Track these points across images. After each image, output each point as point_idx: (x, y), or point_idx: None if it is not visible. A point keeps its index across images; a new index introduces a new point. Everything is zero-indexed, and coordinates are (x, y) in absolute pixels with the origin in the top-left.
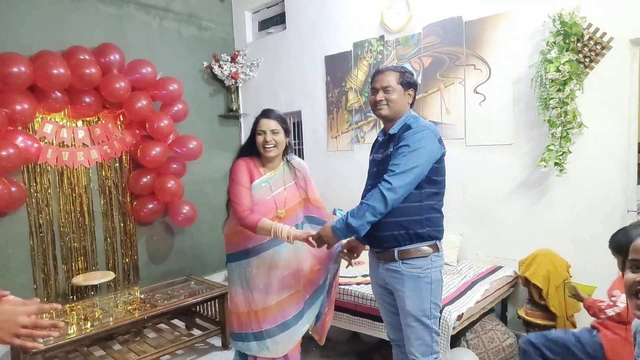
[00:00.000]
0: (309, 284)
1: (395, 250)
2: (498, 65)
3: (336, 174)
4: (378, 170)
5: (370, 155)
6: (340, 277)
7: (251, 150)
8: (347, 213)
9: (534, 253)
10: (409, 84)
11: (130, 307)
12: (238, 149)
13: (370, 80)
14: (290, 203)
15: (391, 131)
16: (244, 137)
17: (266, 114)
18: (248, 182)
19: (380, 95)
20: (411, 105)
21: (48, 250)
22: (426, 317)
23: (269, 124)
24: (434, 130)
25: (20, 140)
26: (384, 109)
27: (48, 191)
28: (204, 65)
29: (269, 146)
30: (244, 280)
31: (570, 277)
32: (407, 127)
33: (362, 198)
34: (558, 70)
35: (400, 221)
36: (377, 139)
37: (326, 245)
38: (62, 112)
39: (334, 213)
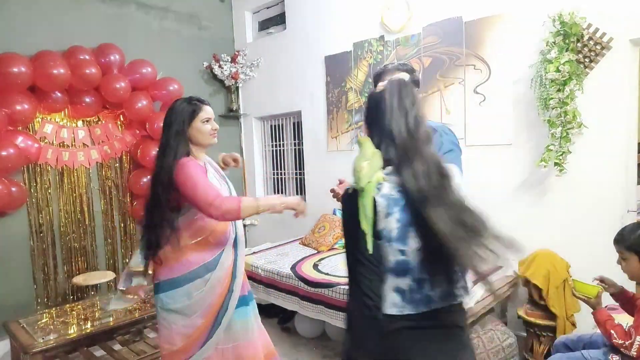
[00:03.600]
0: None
1: None
2: (498, 65)
3: (336, 174)
4: None
5: None
6: (341, 277)
7: (175, 148)
8: None
9: (533, 253)
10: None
11: (130, 307)
12: (172, 150)
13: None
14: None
15: None
16: (244, 137)
17: (204, 100)
18: (204, 174)
19: None
20: None
21: (48, 250)
22: None
23: (212, 111)
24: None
25: (20, 141)
26: None
27: (48, 191)
28: (204, 66)
29: (216, 133)
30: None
31: (570, 277)
32: None
33: None
34: (558, 71)
35: None
36: None
37: None
38: (62, 112)
39: (334, 213)
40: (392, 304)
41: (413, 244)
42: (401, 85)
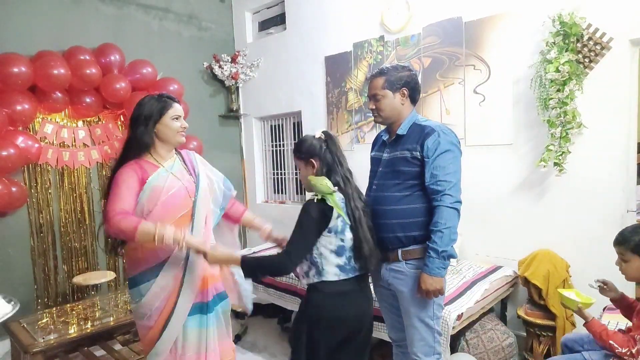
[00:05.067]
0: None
1: (399, 251)
2: (498, 65)
3: None
4: (385, 172)
5: (371, 152)
6: None
7: (143, 144)
8: (431, 249)
9: (533, 253)
10: (398, 85)
11: (131, 307)
12: (122, 150)
13: None
14: (202, 192)
15: (399, 132)
16: (244, 137)
17: (174, 98)
18: (135, 184)
19: (371, 104)
20: (413, 102)
21: (48, 250)
22: (429, 318)
23: (181, 109)
24: (450, 130)
25: (20, 141)
26: (377, 117)
27: (49, 191)
28: (204, 66)
29: (184, 132)
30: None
31: (570, 276)
32: (417, 127)
33: (370, 198)
34: (558, 71)
35: (406, 223)
36: (380, 136)
37: (439, 292)
38: (63, 112)
39: None
40: (334, 274)
41: (348, 235)
42: (336, 139)
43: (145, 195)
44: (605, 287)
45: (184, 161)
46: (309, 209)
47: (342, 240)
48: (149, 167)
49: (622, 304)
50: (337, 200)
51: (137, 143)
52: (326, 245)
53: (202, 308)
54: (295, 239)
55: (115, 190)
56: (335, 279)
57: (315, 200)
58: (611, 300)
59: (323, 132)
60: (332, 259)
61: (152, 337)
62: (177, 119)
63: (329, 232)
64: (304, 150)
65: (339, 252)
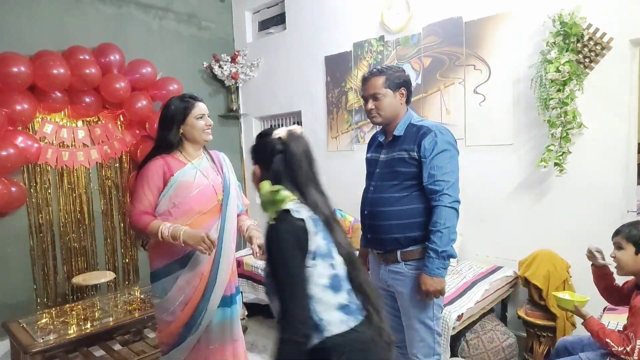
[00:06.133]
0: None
1: (398, 252)
2: (498, 65)
3: (336, 174)
4: (383, 173)
5: (367, 154)
6: None
7: (169, 144)
8: (430, 250)
9: (534, 253)
10: (397, 84)
11: (130, 307)
12: (152, 150)
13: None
14: (232, 190)
15: (396, 132)
16: (244, 137)
17: (197, 97)
18: (160, 182)
19: (371, 104)
20: (407, 102)
21: (48, 250)
22: (429, 318)
23: (205, 107)
24: (446, 129)
25: (20, 141)
26: (377, 117)
27: (48, 191)
28: (204, 66)
29: (210, 130)
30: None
31: (570, 277)
32: (413, 127)
33: (364, 200)
34: (558, 71)
35: (404, 224)
36: (375, 137)
37: (440, 292)
38: (62, 112)
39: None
40: (340, 322)
41: (337, 257)
42: (309, 149)
43: (171, 190)
44: (597, 255)
45: (212, 160)
46: (277, 234)
47: (333, 266)
48: (176, 163)
49: (603, 277)
50: (298, 214)
51: (165, 144)
52: (316, 281)
53: (225, 301)
54: (288, 295)
55: (138, 189)
56: (345, 328)
57: (270, 222)
58: (594, 267)
59: (289, 130)
60: (330, 299)
61: (173, 332)
62: (201, 117)
63: (314, 258)
64: (255, 149)
65: (335, 285)
